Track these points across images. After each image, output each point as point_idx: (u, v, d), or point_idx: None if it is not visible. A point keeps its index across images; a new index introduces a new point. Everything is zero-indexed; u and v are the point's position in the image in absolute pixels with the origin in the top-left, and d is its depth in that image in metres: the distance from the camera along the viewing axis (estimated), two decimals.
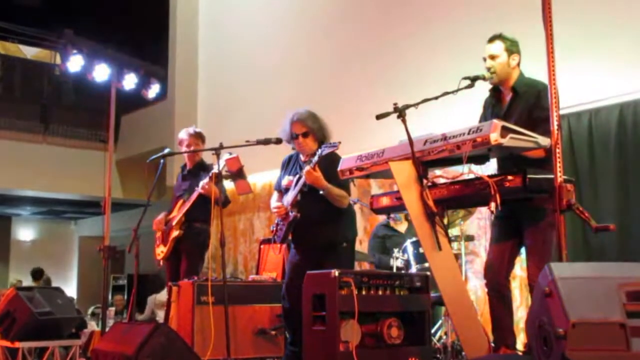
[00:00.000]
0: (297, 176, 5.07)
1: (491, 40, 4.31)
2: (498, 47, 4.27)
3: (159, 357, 4.56)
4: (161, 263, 6.62)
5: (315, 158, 4.80)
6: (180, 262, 6.42)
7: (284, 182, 5.24)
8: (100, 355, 4.99)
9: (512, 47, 4.28)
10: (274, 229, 5.23)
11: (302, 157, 5.19)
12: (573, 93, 5.72)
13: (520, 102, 4.23)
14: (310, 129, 5.08)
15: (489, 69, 4.28)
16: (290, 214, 5.04)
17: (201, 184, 6.23)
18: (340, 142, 4.72)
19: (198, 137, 6.61)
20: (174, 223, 6.45)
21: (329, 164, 4.77)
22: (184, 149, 6.63)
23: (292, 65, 9.69)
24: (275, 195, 5.40)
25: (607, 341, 2.54)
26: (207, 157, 6.21)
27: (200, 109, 11.53)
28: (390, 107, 3.95)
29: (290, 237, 5.16)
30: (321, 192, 4.88)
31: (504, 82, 4.31)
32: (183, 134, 6.68)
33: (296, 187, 5.00)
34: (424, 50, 7.76)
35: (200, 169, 6.51)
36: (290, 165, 5.30)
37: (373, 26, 8.58)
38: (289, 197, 5.07)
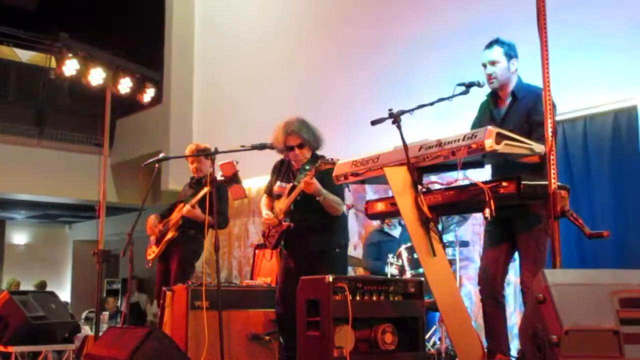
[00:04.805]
0: (291, 185, 5.06)
1: (489, 46, 4.30)
2: (497, 52, 4.26)
3: None
4: (150, 264, 6.62)
5: (312, 170, 4.81)
6: (171, 265, 6.43)
7: (276, 188, 5.24)
8: None
9: (511, 52, 4.28)
10: (265, 234, 5.23)
11: (294, 164, 5.19)
12: (568, 100, 5.73)
13: (519, 107, 4.23)
14: (305, 140, 5.08)
15: (490, 75, 4.27)
16: (283, 222, 5.04)
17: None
18: (338, 160, 4.65)
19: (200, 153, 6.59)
20: (170, 225, 6.45)
21: (324, 174, 4.79)
22: (190, 165, 6.68)
23: (288, 71, 9.69)
24: (264, 199, 5.40)
25: (601, 348, 2.54)
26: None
27: (196, 113, 11.53)
28: (385, 112, 3.95)
29: (282, 244, 5.17)
30: (318, 199, 4.89)
31: (502, 87, 4.31)
32: (187, 152, 6.68)
33: (290, 197, 5.00)
34: (419, 56, 7.77)
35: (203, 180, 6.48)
36: (282, 171, 5.29)
37: (369, 31, 8.58)
38: (281, 205, 5.07)
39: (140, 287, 13.31)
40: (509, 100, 4.31)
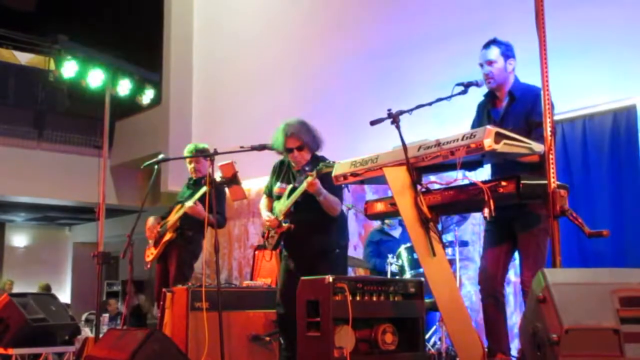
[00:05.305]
0: (291, 187, 5.07)
1: (486, 46, 4.31)
2: (494, 52, 4.27)
3: None
4: (149, 265, 6.63)
5: (314, 173, 4.82)
6: (169, 267, 6.44)
7: (276, 189, 5.24)
8: None
9: (508, 52, 4.29)
10: (265, 235, 5.23)
11: (293, 165, 5.19)
12: (567, 99, 5.73)
13: (517, 107, 4.23)
14: (304, 142, 5.08)
15: (487, 75, 4.27)
16: (283, 224, 5.05)
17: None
18: (335, 162, 4.66)
19: (199, 153, 6.59)
20: (168, 226, 6.46)
21: (324, 175, 4.79)
22: (187, 166, 6.68)
23: (287, 71, 9.70)
24: (264, 200, 5.40)
25: (601, 347, 2.54)
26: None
27: (195, 115, 11.53)
28: (384, 112, 3.96)
29: (282, 244, 5.17)
30: (319, 199, 4.89)
31: (500, 87, 4.32)
32: (185, 153, 6.68)
33: (290, 198, 5.01)
34: (418, 56, 7.77)
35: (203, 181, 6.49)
36: (282, 172, 5.29)
37: (369, 32, 8.59)
38: (281, 207, 5.08)
39: (139, 289, 13.31)
40: (506, 100, 4.31)
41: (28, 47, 14.18)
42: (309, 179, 4.83)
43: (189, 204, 6.29)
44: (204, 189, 5.99)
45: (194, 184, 6.64)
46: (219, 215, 6.00)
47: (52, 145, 13.64)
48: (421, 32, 7.83)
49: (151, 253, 6.61)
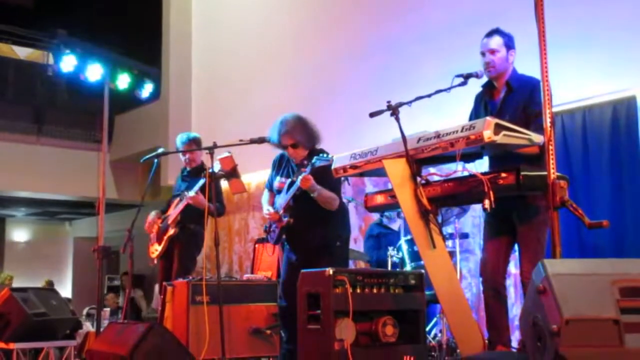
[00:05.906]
0: (290, 181, 5.09)
1: (489, 35, 4.29)
2: (497, 41, 4.25)
3: (154, 357, 4.56)
4: (155, 261, 6.63)
5: (309, 168, 4.84)
6: (172, 262, 6.44)
7: (276, 183, 5.26)
8: (95, 356, 4.99)
9: (510, 43, 4.28)
10: (267, 229, 5.24)
11: (292, 158, 5.20)
12: (566, 91, 5.72)
13: (514, 98, 4.22)
14: (297, 141, 5.09)
15: (488, 64, 4.26)
16: (283, 218, 5.06)
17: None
18: (333, 157, 4.67)
19: (192, 142, 6.60)
20: (169, 221, 6.45)
21: (321, 171, 4.80)
22: (181, 156, 6.67)
23: (286, 65, 9.68)
24: (265, 194, 5.42)
25: (601, 337, 2.54)
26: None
27: (194, 108, 11.51)
28: (384, 105, 3.95)
29: (284, 238, 5.18)
30: (313, 195, 4.90)
31: (499, 77, 4.31)
32: (178, 143, 6.68)
33: (289, 192, 5.02)
34: (417, 49, 7.75)
35: (199, 171, 6.49)
36: (282, 165, 5.31)
37: (367, 24, 8.57)
38: (281, 201, 5.10)
39: (138, 284, 13.31)
40: (504, 91, 4.30)
41: (27, 41, 14.13)
42: (302, 175, 4.84)
43: (190, 194, 6.27)
44: (202, 181, 6.00)
45: (189, 176, 6.64)
46: (218, 204, 6.02)
47: (51, 140, 13.61)
48: (420, 25, 7.81)
49: (155, 249, 6.61)
